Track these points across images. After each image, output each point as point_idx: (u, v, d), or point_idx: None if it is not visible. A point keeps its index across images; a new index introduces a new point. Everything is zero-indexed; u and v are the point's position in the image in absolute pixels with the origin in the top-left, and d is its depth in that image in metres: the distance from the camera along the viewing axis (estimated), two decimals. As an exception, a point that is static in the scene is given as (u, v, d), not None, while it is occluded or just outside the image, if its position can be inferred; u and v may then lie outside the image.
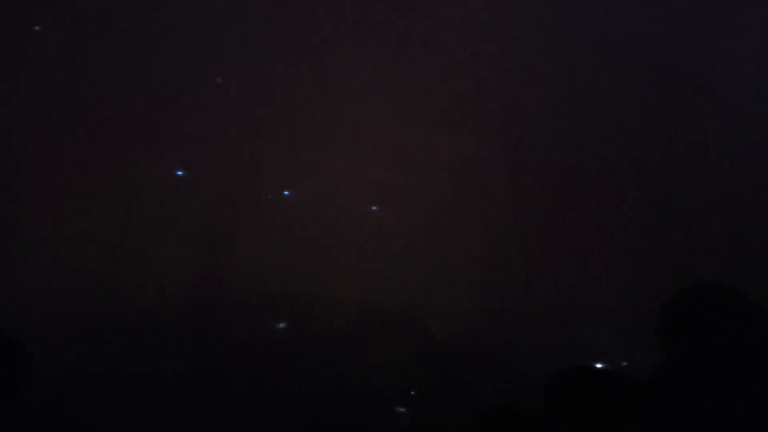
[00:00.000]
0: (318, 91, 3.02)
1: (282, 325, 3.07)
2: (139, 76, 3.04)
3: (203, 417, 2.73)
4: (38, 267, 2.85)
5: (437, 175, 3.11)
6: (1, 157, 2.96)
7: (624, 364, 2.80)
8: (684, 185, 3.06)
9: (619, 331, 2.84)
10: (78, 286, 2.86)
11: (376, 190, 3.15)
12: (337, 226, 3.05)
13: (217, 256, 3.05)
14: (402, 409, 2.77)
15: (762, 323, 1.44)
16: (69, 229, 2.89)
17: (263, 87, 3.06)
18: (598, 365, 2.46)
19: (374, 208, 3.16)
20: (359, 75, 3.08)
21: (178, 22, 3.03)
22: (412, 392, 2.76)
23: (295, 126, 3.09)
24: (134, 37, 3.04)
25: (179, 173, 3.08)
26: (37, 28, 3.04)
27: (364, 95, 3.04)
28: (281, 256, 3.01)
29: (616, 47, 3.10)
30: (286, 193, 3.15)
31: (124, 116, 3.02)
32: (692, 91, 3.07)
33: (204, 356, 2.87)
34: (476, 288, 2.99)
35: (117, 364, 2.75)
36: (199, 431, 2.71)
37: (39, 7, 3.04)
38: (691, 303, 1.46)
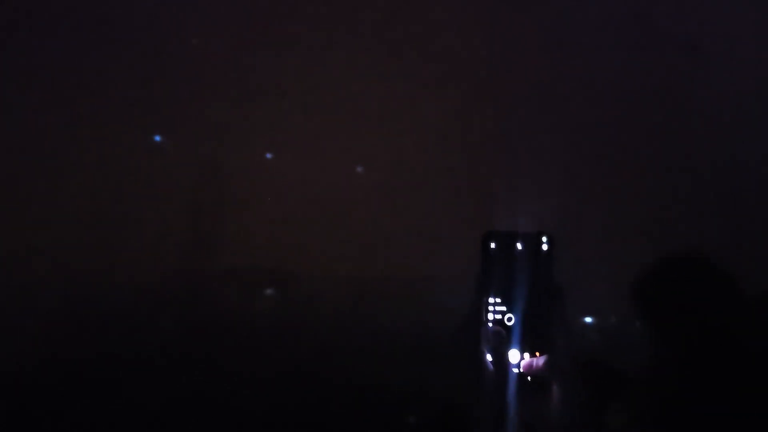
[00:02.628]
0: (301, 53, 2.91)
1: (270, 293, 3.05)
2: (110, 37, 2.92)
3: (191, 390, 2.74)
4: (14, 246, 2.81)
5: (424, 134, 3.02)
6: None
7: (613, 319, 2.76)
8: (675, 150, 2.97)
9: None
10: (58, 262, 2.83)
11: (362, 152, 3.07)
12: (323, 188, 2.99)
13: (201, 225, 3.00)
14: (395, 375, 2.77)
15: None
16: (44, 205, 2.83)
17: (245, 50, 2.94)
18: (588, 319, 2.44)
19: (359, 169, 3.09)
20: (343, 33, 2.96)
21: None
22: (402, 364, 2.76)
23: (278, 89, 2.99)
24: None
25: (156, 138, 3.00)
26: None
27: (348, 55, 2.93)
28: (268, 223, 2.97)
29: (608, 4, 2.95)
30: (268, 156, 3.07)
31: (95, 82, 2.92)
32: (686, 54, 2.94)
33: (191, 328, 2.87)
34: (467, 253, 2.94)
35: (103, 339, 2.75)
36: (188, 404, 2.73)
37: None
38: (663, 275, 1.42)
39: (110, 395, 2.67)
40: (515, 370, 1.06)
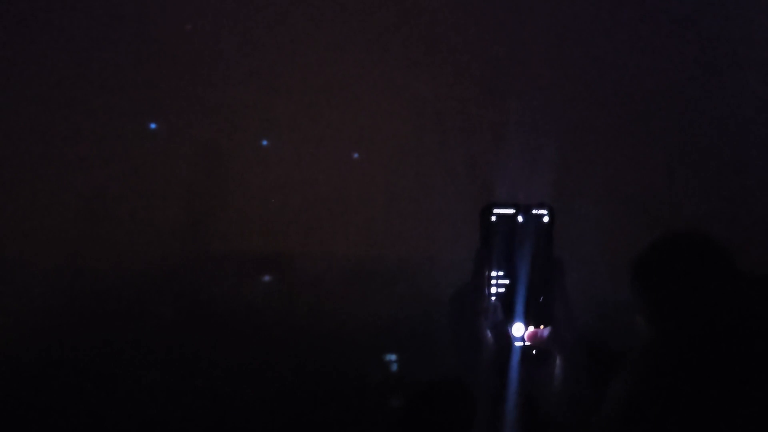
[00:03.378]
0: (297, 38, 2.89)
1: (266, 278, 3.04)
2: (107, 25, 2.90)
3: (188, 375, 2.74)
4: (11, 232, 2.80)
5: (421, 119, 3.01)
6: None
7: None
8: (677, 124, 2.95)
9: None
10: (53, 247, 2.82)
11: (358, 137, 3.06)
12: (319, 175, 2.98)
13: (198, 210, 3.00)
14: (392, 357, 2.77)
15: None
16: (40, 190, 2.82)
17: (241, 34, 2.92)
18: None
19: (356, 155, 3.07)
20: (340, 20, 2.94)
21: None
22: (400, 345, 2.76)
23: (273, 73, 2.97)
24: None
25: (152, 126, 2.98)
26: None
27: (345, 41, 2.91)
28: (263, 209, 2.96)
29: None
30: (264, 142, 3.06)
31: (90, 69, 2.90)
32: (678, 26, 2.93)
33: (187, 313, 2.87)
34: (465, 235, 2.93)
35: (98, 325, 2.75)
36: (185, 390, 2.73)
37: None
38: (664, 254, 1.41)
39: (111, 378, 2.66)
40: (518, 343, 1.05)
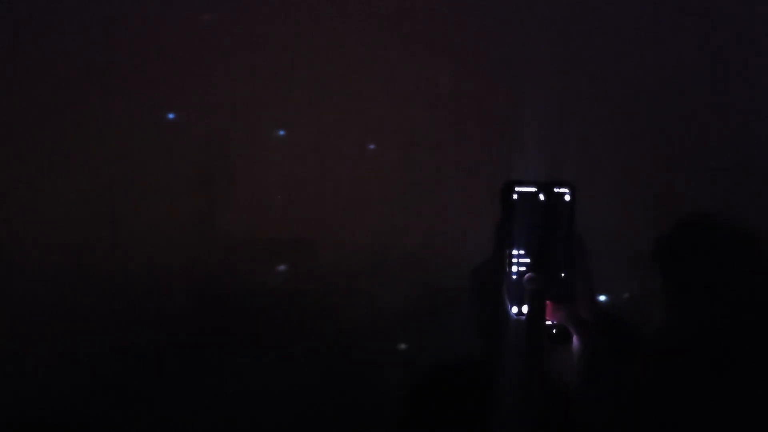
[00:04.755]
0: (313, 28, 2.90)
1: (282, 268, 3.05)
2: (122, 16, 2.92)
3: (204, 365, 2.76)
4: (26, 222, 2.81)
5: (437, 109, 3.01)
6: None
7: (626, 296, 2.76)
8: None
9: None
10: (69, 239, 2.83)
11: (374, 127, 3.06)
12: (335, 165, 2.98)
13: (213, 200, 3.00)
14: (404, 346, 2.78)
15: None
16: (55, 180, 2.84)
17: (256, 25, 2.93)
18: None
19: (372, 146, 3.08)
20: (356, 9, 2.95)
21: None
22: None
23: (289, 63, 2.97)
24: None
25: (170, 116, 2.99)
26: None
27: (360, 31, 2.91)
28: (278, 199, 2.97)
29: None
30: (281, 132, 3.06)
31: (108, 61, 2.91)
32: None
33: (204, 302, 2.88)
34: (480, 225, 2.92)
35: (114, 317, 2.76)
36: (200, 380, 2.75)
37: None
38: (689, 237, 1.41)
39: (127, 371, 2.68)
40: (540, 321, 1.06)
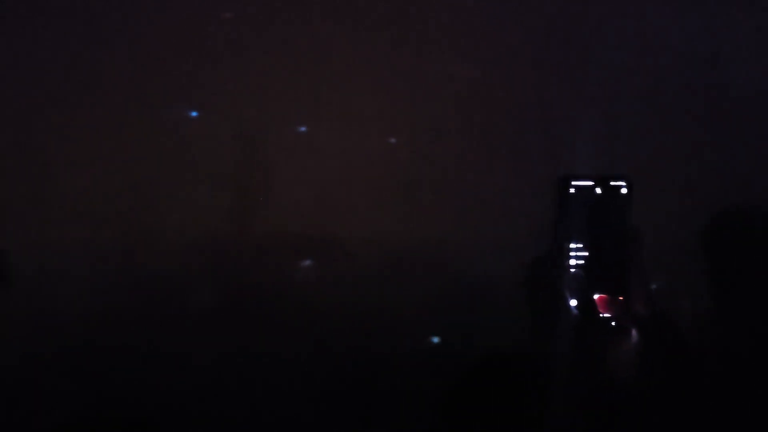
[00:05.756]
0: (333, 27, 2.90)
1: (306, 263, 3.06)
2: (146, 16, 2.92)
3: (228, 358, 2.78)
4: (57, 216, 2.83)
5: (456, 105, 3.01)
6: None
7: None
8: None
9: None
10: (96, 234, 2.84)
11: (394, 123, 3.06)
12: (356, 161, 2.99)
13: (237, 197, 3.01)
14: (436, 340, 2.79)
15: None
16: (82, 177, 2.85)
17: (279, 26, 2.94)
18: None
19: (392, 140, 3.08)
20: (379, 3, 2.95)
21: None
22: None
23: (311, 62, 2.98)
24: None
25: (193, 114, 3.00)
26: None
27: (379, 28, 2.92)
28: (302, 195, 2.97)
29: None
30: (302, 129, 3.07)
31: (133, 59, 2.92)
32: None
33: (228, 297, 2.89)
34: (504, 221, 2.93)
35: (139, 311, 2.78)
36: (224, 373, 2.77)
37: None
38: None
39: (154, 363, 2.69)
40: (597, 315, 1.06)
